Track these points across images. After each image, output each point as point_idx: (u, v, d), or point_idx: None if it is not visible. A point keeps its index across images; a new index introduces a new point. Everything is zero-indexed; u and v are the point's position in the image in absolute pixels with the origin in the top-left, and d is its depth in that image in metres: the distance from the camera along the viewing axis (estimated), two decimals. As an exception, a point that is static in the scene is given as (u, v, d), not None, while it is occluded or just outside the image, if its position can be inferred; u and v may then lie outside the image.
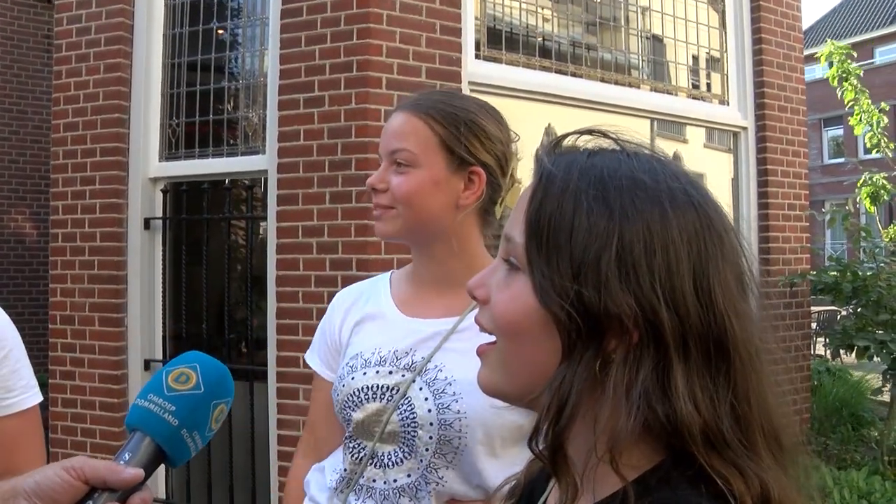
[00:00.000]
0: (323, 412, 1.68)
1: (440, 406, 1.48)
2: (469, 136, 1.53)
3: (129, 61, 4.42)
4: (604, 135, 0.85)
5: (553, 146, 0.85)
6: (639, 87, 5.20)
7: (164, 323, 4.46)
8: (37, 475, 0.91)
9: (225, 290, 4.37)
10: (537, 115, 4.60)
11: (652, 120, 5.26)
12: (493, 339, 0.85)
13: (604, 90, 4.89)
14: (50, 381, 4.64)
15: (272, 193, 4.05)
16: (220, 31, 4.47)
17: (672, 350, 0.73)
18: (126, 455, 0.91)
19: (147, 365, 4.40)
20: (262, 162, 4.18)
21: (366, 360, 1.55)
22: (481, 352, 0.86)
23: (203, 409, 0.95)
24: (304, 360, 1.80)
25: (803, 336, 5.59)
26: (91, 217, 4.45)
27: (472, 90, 4.14)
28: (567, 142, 0.86)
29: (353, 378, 1.55)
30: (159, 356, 4.43)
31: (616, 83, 4.99)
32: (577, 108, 4.74)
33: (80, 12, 4.49)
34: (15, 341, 1.63)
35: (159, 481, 4.40)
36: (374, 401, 1.52)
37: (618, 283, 0.74)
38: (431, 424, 1.47)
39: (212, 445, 4.24)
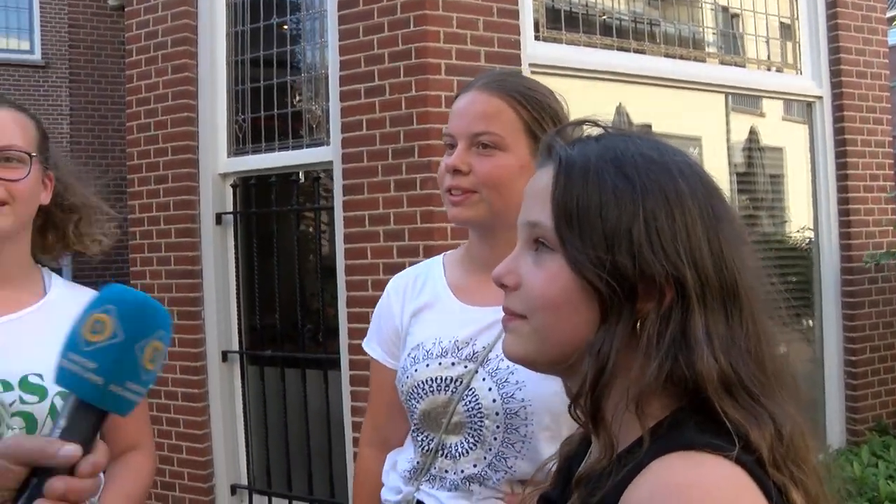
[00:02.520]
0: (384, 399, 1.69)
1: (504, 395, 1.47)
2: (549, 122, 1.50)
3: (194, 61, 4.52)
4: (595, 124, 0.95)
5: (558, 135, 0.94)
6: (705, 61, 5.06)
7: (238, 314, 4.57)
8: None
9: (296, 280, 4.44)
10: (602, 95, 4.53)
11: (726, 94, 5.13)
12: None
13: (672, 66, 4.78)
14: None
15: (338, 184, 4.10)
16: (282, 27, 4.53)
17: (694, 304, 0.81)
18: (60, 421, 0.86)
19: (224, 356, 4.52)
20: (328, 153, 4.23)
21: (427, 352, 1.55)
22: (506, 322, 0.92)
23: (128, 358, 0.85)
24: None
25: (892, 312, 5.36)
26: (166, 214, 4.58)
27: (532, 73, 4.10)
28: (568, 132, 0.95)
29: (416, 370, 1.55)
30: (236, 347, 4.55)
31: (682, 58, 4.87)
32: (645, 86, 4.65)
33: (147, 17, 4.62)
34: None
35: (240, 467, 4.52)
36: (439, 393, 1.52)
37: (649, 248, 0.82)
38: (497, 414, 1.47)
39: (290, 433, 4.34)
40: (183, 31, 4.50)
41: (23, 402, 1.53)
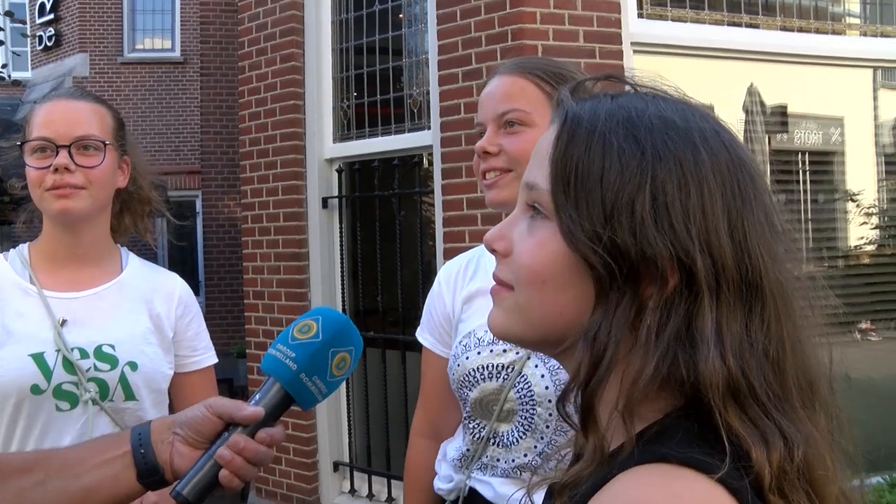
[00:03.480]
0: (436, 389, 1.69)
1: (557, 382, 1.45)
2: None
3: (301, 51, 4.66)
4: (620, 80, 0.83)
5: (573, 91, 0.83)
6: (844, 34, 4.72)
7: (343, 297, 4.68)
8: (187, 411, 1.09)
9: (398, 263, 4.51)
10: (713, 72, 4.35)
11: (874, 69, 4.78)
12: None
13: (788, 40, 4.52)
14: (247, 351, 5.02)
15: (437, 168, 4.12)
16: (384, 13, 4.59)
17: (704, 294, 0.70)
18: (256, 396, 1.07)
19: (330, 337, 4.63)
20: (428, 137, 4.26)
21: (479, 339, 1.55)
22: (494, 293, 0.84)
23: (321, 356, 1.04)
24: None
25: None
26: (275, 199, 4.75)
27: (635, 52, 3.99)
28: (586, 88, 0.84)
29: (467, 358, 1.54)
30: (341, 329, 4.65)
31: (800, 30, 4.60)
32: (766, 63, 4.43)
33: (258, 10, 4.79)
34: (196, 308, 1.89)
35: (343, 445, 4.64)
36: (490, 380, 1.51)
37: (653, 224, 0.71)
38: (550, 401, 1.46)
39: (390, 414, 4.41)
40: (290, 21, 4.64)
41: (96, 369, 1.67)
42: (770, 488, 0.66)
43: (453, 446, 1.64)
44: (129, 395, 1.70)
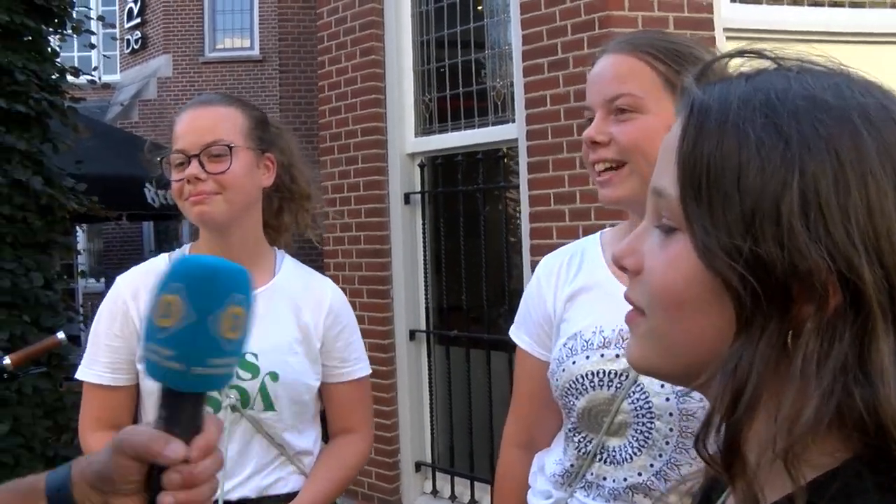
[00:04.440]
0: (532, 394, 1.55)
1: (680, 393, 1.29)
2: None
3: (381, 44, 4.59)
4: (759, 55, 0.68)
5: (700, 75, 0.70)
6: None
7: (426, 293, 4.61)
8: (99, 460, 0.83)
9: (482, 260, 4.41)
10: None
11: None
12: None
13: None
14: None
15: (523, 162, 4.01)
16: (464, 4, 4.49)
17: (876, 314, 0.57)
18: (161, 411, 0.82)
19: (412, 335, 4.57)
20: (512, 131, 4.15)
21: (587, 342, 1.40)
22: (629, 320, 0.72)
23: (203, 336, 0.78)
24: None
25: None
26: (356, 195, 4.70)
27: (728, 38, 3.81)
28: (716, 68, 0.70)
29: (573, 362, 1.40)
30: (423, 326, 4.59)
31: (908, 10, 4.32)
32: (866, 45, 4.17)
33: (336, 4, 4.75)
34: (349, 318, 1.83)
35: (425, 445, 4.57)
36: (601, 388, 1.36)
37: (804, 232, 0.58)
38: (671, 415, 1.30)
39: (474, 413, 4.32)
40: (370, 14, 4.58)
41: (238, 377, 1.66)
42: None
43: (553, 459, 1.50)
44: (269, 405, 1.68)
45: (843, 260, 0.57)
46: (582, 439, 1.41)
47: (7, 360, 2.39)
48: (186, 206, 1.71)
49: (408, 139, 4.62)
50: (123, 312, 1.72)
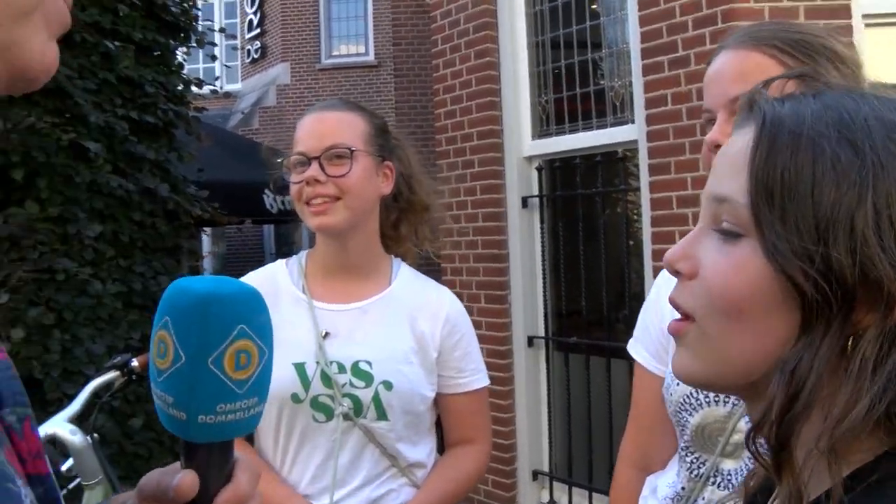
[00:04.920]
0: (649, 412, 1.48)
1: None
2: (830, 67, 1.22)
3: (496, 45, 4.54)
4: (816, 79, 0.75)
5: (763, 88, 0.74)
6: None
7: (544, 299, 4.53)
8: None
9: (602, 265, 4.30)
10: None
11: None
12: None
13: None
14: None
15: (643, 164, 3.88)
16: (580, 3, 4.38)
17: None
18: (182, 461, 0.71)
19: (530, 342, 4.50)
20: (632, 132, 4.02)
21: None
22: (675, 330, 0.74)
23: (204, 379, 0.66)
24: None
25: None
26: (473, 199, 4.66)
27: (867, 26, 3.58)
28: (775, 86, 0.76)
29: None
30: (542, 333, 4.51)
31: None
32: None
33: (450, 7, 4.73)
34: (467, 328, 1.81)
35: (542, 454, 4.50)
36: (716, 405, 1.28)
37: (877, 242, 0.62)
38: None
39: (593, 423, 4.21)
40: (484, 16, 4.54)
41: (352, 385, 1.66)
42: None
43: (665, 482, 1.42)
44: (381, 414, 1.67)
45: None
46: (695, 460, 1.33)
47: (135, 363, 2.47)
48: (305, 212, 1.70)
49: (524, 142, 4.55)
50: None
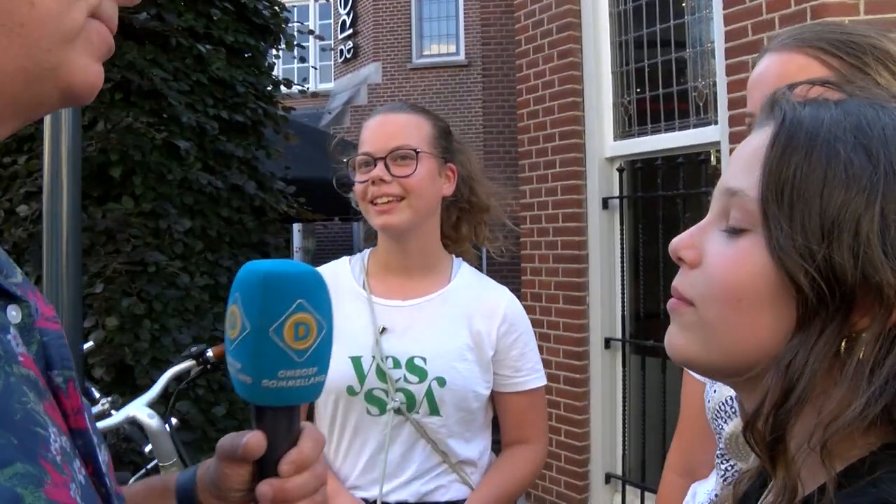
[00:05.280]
0: (693, 419, 1.48)
1: None
2: (878, 66, 1.20)
3: (578, 45, 4.52)
4: (840, 88, 0.76)
5: (788, 91, 0.76)
6: None
7: (622, 301, 4.48)
8: (209, 466, 0.87)
9: (681, 268, 4.23)
10: None
11: None
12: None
13: None
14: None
15: (725, 166, 3.81)
16: (663, 1, 4.32)
17: None
18: (253, 424, 0.81)
19: (607, 343, 4.47)
20: (715, 133, 3.95)
21: None
22: (673, 307, 0.76)
23: (266, 348, 0.75)
24: None
25: None
26: (553, 199, 4.66)
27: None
28: (800, 91, 0.76)
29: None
30: (619, 335, 4.47)
31: None
32: None
33: (534, 7, 4.73)
34: (525, 327, 1.83)
35: (616, 457, 4.45)
36: None
37: (880, 247, 0.64)
38: None
39: (668, 428, 4.15)
40: (567, 16, 4.52)
41: (406, 380, 1.70)
42: None
43: (704, 489, 1.42)
44: (434, 410, 1.71)
45: None
46: (729, 468, 1.32)
47: (210, 353, 2.58)
48: (370, 211, 1.75)
49: (606, 143, 4.52)
50: None
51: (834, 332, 0.65)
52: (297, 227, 12.99)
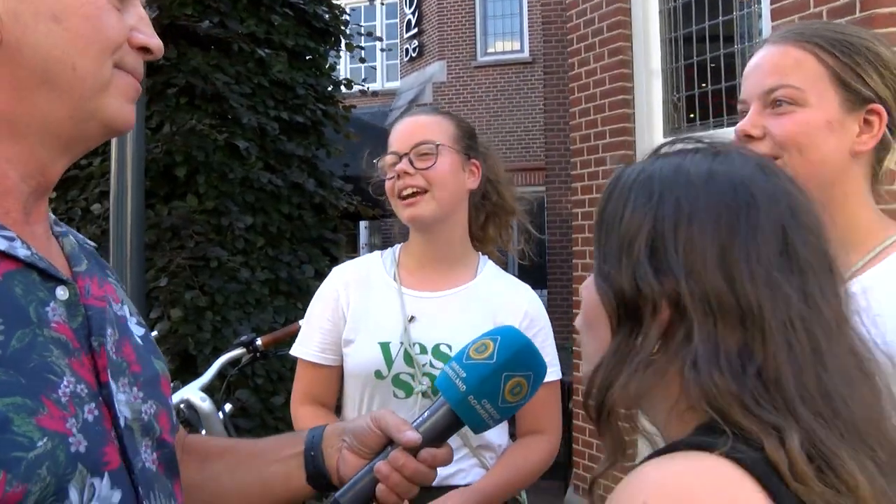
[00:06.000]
0: None
1: None
2: (870, 69, 1.26)
3: (629, 43, 4.55)
4: (699, 141, 0.88)
5: (657, 151, 0.91)
6: None
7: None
8: (357, 420, 1.10)
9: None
10: None
11: None
12: None
13: None
14: (573, 348, 5.05)
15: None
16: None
17: (695, 322, 0.76)
18: (425, 413, 1.04)
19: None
20: (765, 128, 3.94)
21: None
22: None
23: (493, 380, 0.99)
24: None
25: None
26: (604, 196, 4.68)
27: None
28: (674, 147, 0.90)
29: None
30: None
31: None
32: None
33: (585, 6, 4.77)
34: (544, 323, 1.93)
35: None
36: None
37: (647, 262, 0.79)
38: None
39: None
40: (617, 14, 4.55)
41: (432, 365, 1.81)
42: (794, 475, 0.69)
43: None
44: None
45: (672, 283, 0.78)
46: None
47: (259, 342, 2.73)
48: (399, 205, 1.86)
49: (656, 139, 4.53)
50: (334, 299, 1.91)
51: (629, 333, 0.80)
52: (363, 224, 13.22)
